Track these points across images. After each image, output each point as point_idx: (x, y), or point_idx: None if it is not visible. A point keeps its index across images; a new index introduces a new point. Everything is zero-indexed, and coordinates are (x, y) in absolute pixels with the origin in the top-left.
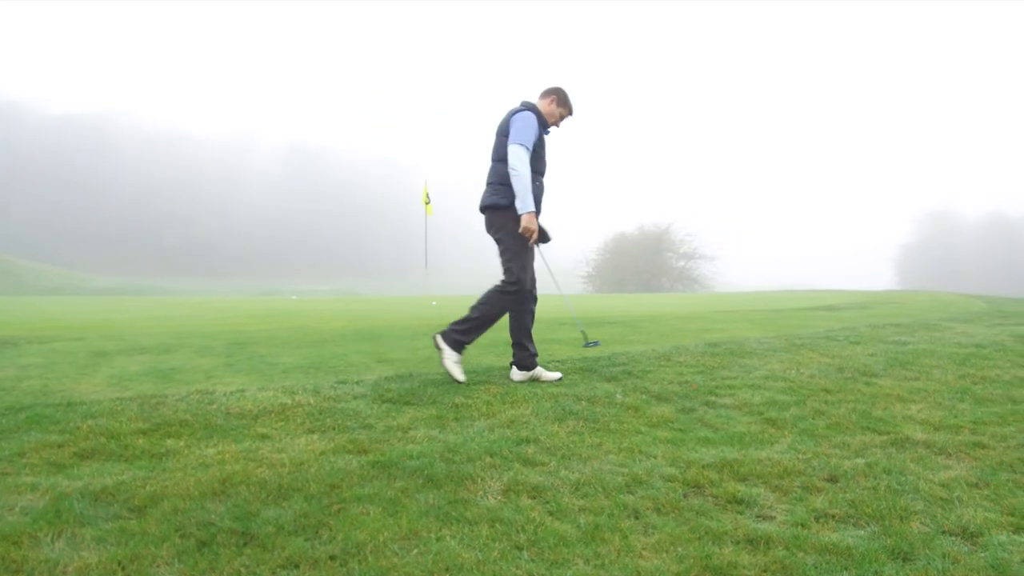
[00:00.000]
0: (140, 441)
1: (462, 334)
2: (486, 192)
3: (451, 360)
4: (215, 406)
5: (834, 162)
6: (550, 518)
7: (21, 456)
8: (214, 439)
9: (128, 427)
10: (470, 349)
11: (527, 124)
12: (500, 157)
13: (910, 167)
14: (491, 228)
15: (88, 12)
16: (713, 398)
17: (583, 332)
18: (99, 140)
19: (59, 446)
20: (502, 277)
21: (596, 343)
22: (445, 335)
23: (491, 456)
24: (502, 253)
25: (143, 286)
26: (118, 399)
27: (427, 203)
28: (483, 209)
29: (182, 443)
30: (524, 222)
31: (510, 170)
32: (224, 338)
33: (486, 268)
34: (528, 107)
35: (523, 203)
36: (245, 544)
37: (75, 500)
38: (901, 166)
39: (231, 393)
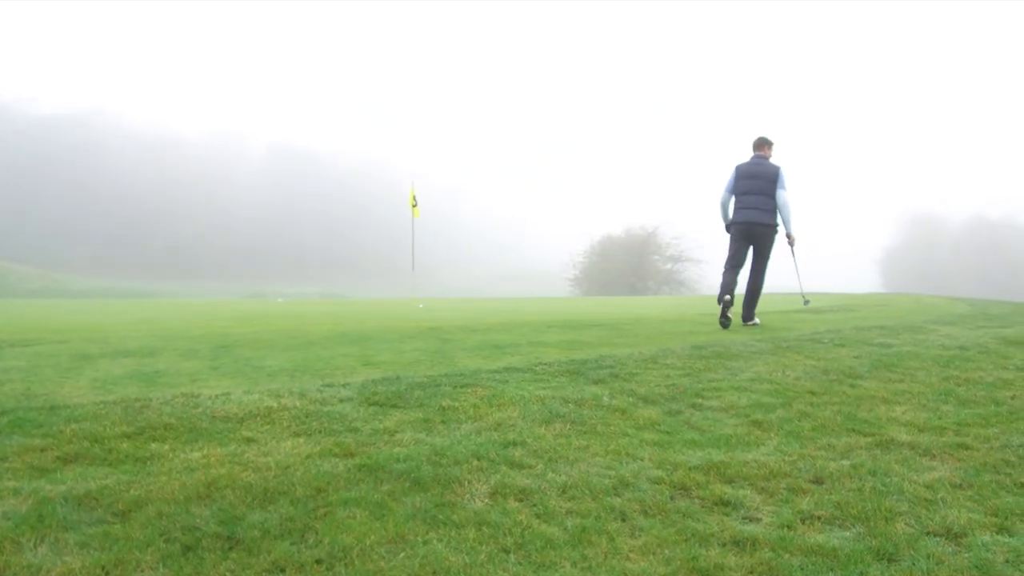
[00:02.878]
0: (124, 445)
1: (750, 308)
2: (758, 213)
3: (757, 321)
4: (200, 409)
5: (818, 166)
6: (537, 521)
7: (3, 460)
8: (199, 443)
9: (112, 431)
10: (461, 354)
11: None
12: (772, 194)
13: (893, 170)
14: (760, 238)
15: (73, 11)
16: (699, 400)
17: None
18: (84, 141)
19: (42, 450)
20: (751, 267)
21: (808, 302)
22: (747, 317)
23: (478, 459)
24: (764, 255)
25: (128, 288)
26: (102, 403)
27: (414, 206)
28: (756, 225)
29: (167, 447)
30: (796, 237)
31: (785, 207)
32: (209, 341)
33: (476, 268)
34: (775, 164)
35: (792, 227)
36: (230, 548)
37: (58, 504)
38: (884, 169)
39: (216, 396)
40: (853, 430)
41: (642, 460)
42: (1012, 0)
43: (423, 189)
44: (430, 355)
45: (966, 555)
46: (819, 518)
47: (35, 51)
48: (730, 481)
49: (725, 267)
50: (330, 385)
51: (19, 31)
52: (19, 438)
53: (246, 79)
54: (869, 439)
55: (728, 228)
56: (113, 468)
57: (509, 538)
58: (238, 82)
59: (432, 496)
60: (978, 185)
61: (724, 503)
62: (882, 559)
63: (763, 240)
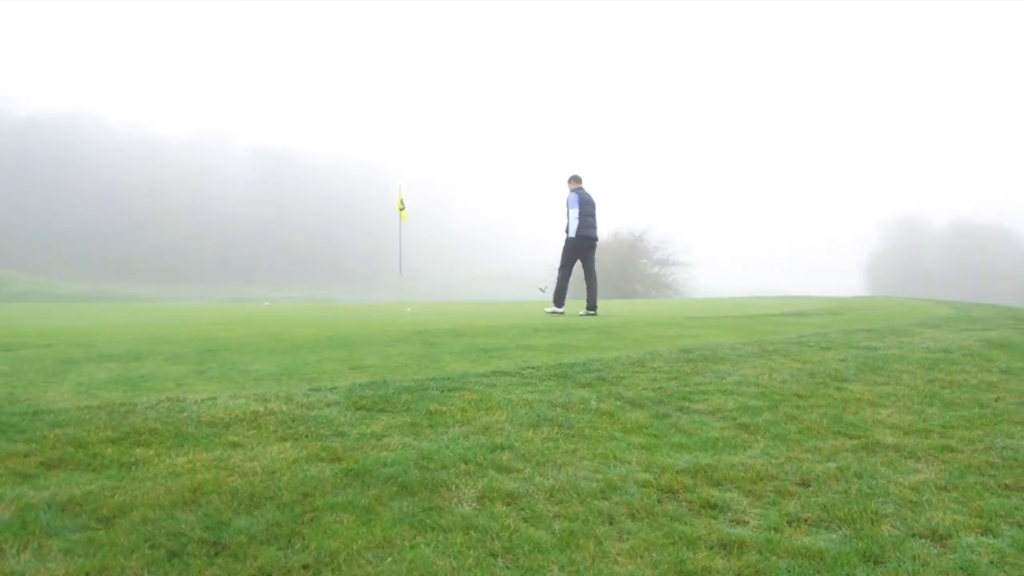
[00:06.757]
0: (109, 450)
1: (596, 299)
2: (596, 231)
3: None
4: (186, 414)
5: (806, 171)
6: (525, 525)
7: None
8: (184, 447)
9: (96, 436)
10: (448, 358)
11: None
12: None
13: (880, 174)
14: (594, 250)
15: (55, 11)
16: (687, 404)
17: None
18: (68, 143)
19: (25, 456)
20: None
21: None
22: (595, 307)
23: (466, 463)
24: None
25: (113, 292)
26: (86, 407)
27: (401, 209)
28: (595, 240)
29: (152, 452)
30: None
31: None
32: (195, 345)
33: (463, 272)
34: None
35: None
36: (216, 554)
37: (42, 511)
38: (871, 174)
39: (202, 401)
40: (839, 433)
41: (629, 463)
42: (1000, 4)
43: (411, 191)
44: (417, 359)
45: (951, 556)
46: (805, 520)
47: (17, 52)
48: (717, 484)
49: (567, 274)
50: (317, 389)
51: (0, 33)
52: (2, 443)
53: (231, 80)
54: (855, 442)
55: (574, 240)
56: (97, 473)
57: (497, 542)
58: (223, 83)
59: (419, 500)
60: (963, 189)
61: (711, 506)
62: (868, 561)
63: (594, 251)
